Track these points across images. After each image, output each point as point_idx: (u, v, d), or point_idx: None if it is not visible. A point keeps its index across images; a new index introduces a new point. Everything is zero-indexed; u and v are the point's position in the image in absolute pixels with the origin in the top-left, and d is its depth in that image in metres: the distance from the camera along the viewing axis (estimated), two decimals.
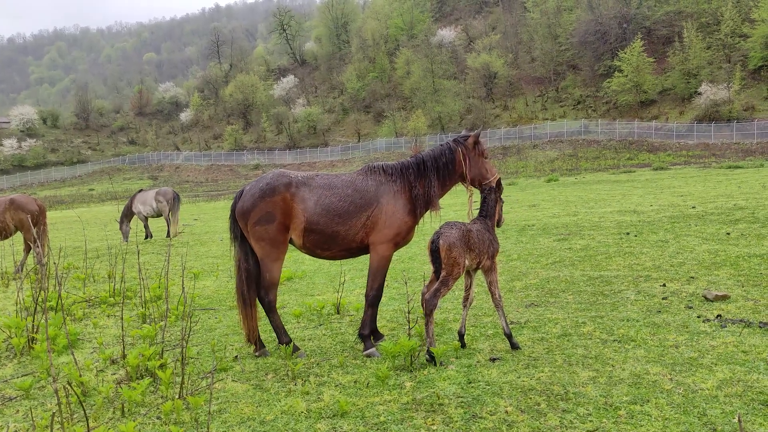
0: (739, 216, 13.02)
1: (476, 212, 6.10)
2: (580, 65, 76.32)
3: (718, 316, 6.11)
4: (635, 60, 63.11)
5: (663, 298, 7.00)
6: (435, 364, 5.21)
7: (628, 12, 72.63)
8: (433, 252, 5.33)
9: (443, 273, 5.25)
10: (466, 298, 5.74)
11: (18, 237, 17.75)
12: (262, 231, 5.73)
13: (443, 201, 6.86)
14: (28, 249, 12.13)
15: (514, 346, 5.52)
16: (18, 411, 4.80)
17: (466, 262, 5.32)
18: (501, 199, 5.96)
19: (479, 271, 5.75)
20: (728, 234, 10.96)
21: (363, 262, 10.80)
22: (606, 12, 72.77)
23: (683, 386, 4.44)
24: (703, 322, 5.99)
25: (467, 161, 6.03)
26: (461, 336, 5.70)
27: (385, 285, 8.61)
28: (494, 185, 5.93)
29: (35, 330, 6.62)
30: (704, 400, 4.19)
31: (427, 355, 5.28)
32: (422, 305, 5.32)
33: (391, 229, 5.79)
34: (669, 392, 4.35)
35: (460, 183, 6.29)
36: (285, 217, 5.72)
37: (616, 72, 65.72)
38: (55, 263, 6.03)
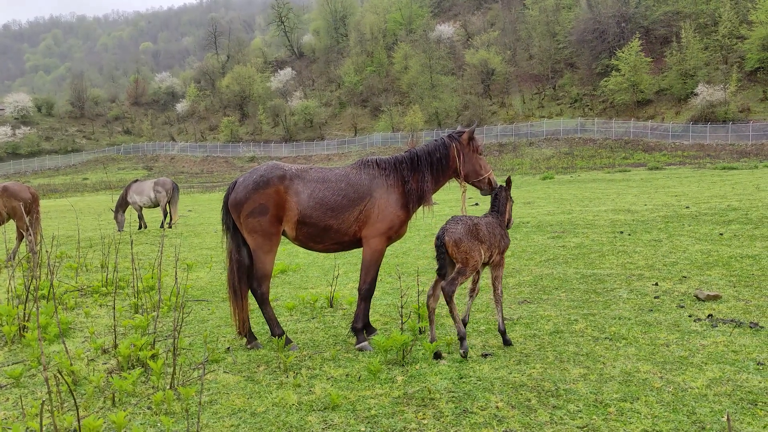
0: (733, 217, 13.07)
1: (469, 209, 6.09)
2: (577, 64, 76.36)
3: (709, 315, 6.14)
4: (633, 59, 63.16)
5: (655, 297, 7.03)
6: (465, 356, 5.23)
7: (626, 11, 72.65)
8: (439, 248, 5.32)
9: (458, 264, 5.27)
10: (472, 290, 5.75)
11: (10, 225, 17.67)
12: (255, 223, 5.72)
13: (440, 197, 6.85)
14: (20, 237, 12.07)
15: (507, 343, 5.55)
16: (8, 399, 4.79)
17: (482, 253, 5.34)
18: (511, 198, 5.94)
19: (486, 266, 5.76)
20: (721, 234, 11.00)
21: (357, 255, 10.80)
22: (605, 11, 72.76)
23: (673, 384, 4.46)
24: (695, 321, 6.02)
25: (461, 157, 6.02)
26: (464, 324, 5.75)
27: (378, 279, 8.63)
28: (505, 183, 5.93)
29: (27, 318, 6.59)
30: (694, 398, 4.22)
31: (460, 349, 5.30)
32: (427, 305, 5.36)
33: (383, 222, 5.79)
34: (659, 390, 4.37)
35: (454, 179, 6.28)
36: (278, 209, 5.71)
37: (613, 71, 65.73)
38: (47, 252, 6.01)
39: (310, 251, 8.79)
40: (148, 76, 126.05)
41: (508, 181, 5.95)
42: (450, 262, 5.40)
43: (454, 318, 5.29)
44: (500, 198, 5.83)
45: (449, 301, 5.22)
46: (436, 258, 5.39)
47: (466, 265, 5.26)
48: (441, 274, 5.39)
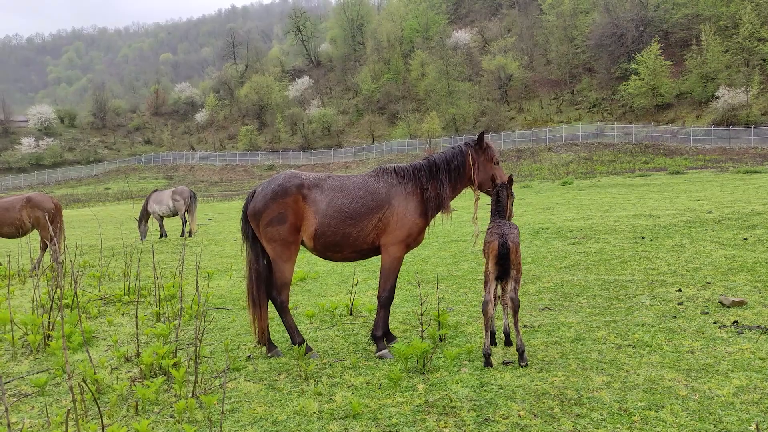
0: (757, 221, 12.85)
1: (482, 214, 6.04)
2: (596, 68, 75.81)
3: (734, 322, 6.04)
4: (652, 63, 62.54)
5: (678, 304, 6.93)
6: (525, 364, 5.17)
7: (645, 15, 72.02)
8: (503, 255, 5.23)
9: (513, 272, 5.26)
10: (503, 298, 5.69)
11: (34, 235, 17.95)
12: (274, 232, 5.75)
13: (458, 203, 6.83)
14: (44, 247, 12.26)
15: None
16: (33, 407, 4.85)
17: None
18: (512, 194, 5.91)
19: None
20: (745, 239, 10.82)
21: (376, 263, 10.80)
22: (623, 14, 72.23)
23: (699, 392, 4.39)
24: (720, 328, 5.92)
25: (476, 165, 6.02)
26: (507, 334, 5.80)
27: (398, 287, 8.62)
28: (506, 182, 5.87)
29: (51, 327, 6.69)
30: (720, 406, 4.14)
31: (519, 356, 5.25)
32: (483, 312, 5.23)
33: (402, 230, 5.79)
34: (684, 398, 4.30)
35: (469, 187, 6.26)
36: (296, 218, 5.74)
37: (632, 75, 65.17)
38: (71, 261, 6.09)
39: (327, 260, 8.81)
40: (167, 87, 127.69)
41: (510, 179, 5.90)
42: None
43: (517, 330, 5.21)
44: (501, 199, 5.77)
45: (516, 312, 5.19)
46: (498, 264, 5.27)
47: (519, 272, 5.29)
48: (504, 280, 5.34)
